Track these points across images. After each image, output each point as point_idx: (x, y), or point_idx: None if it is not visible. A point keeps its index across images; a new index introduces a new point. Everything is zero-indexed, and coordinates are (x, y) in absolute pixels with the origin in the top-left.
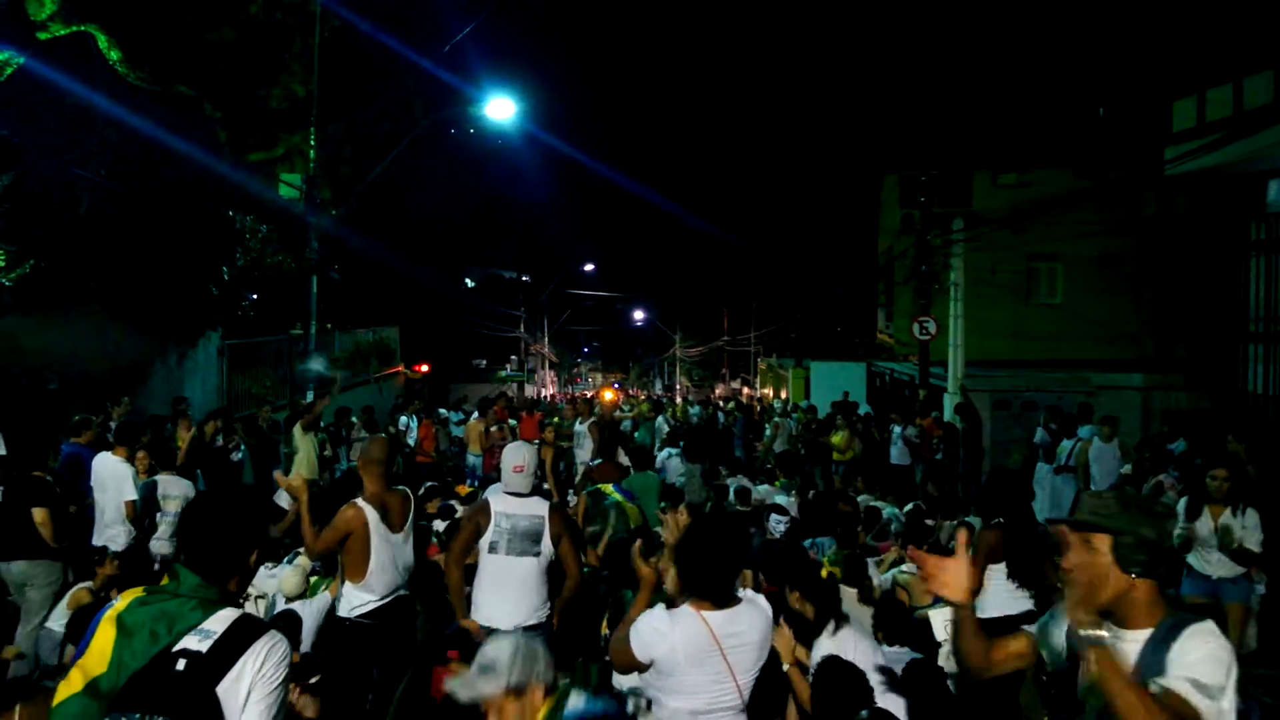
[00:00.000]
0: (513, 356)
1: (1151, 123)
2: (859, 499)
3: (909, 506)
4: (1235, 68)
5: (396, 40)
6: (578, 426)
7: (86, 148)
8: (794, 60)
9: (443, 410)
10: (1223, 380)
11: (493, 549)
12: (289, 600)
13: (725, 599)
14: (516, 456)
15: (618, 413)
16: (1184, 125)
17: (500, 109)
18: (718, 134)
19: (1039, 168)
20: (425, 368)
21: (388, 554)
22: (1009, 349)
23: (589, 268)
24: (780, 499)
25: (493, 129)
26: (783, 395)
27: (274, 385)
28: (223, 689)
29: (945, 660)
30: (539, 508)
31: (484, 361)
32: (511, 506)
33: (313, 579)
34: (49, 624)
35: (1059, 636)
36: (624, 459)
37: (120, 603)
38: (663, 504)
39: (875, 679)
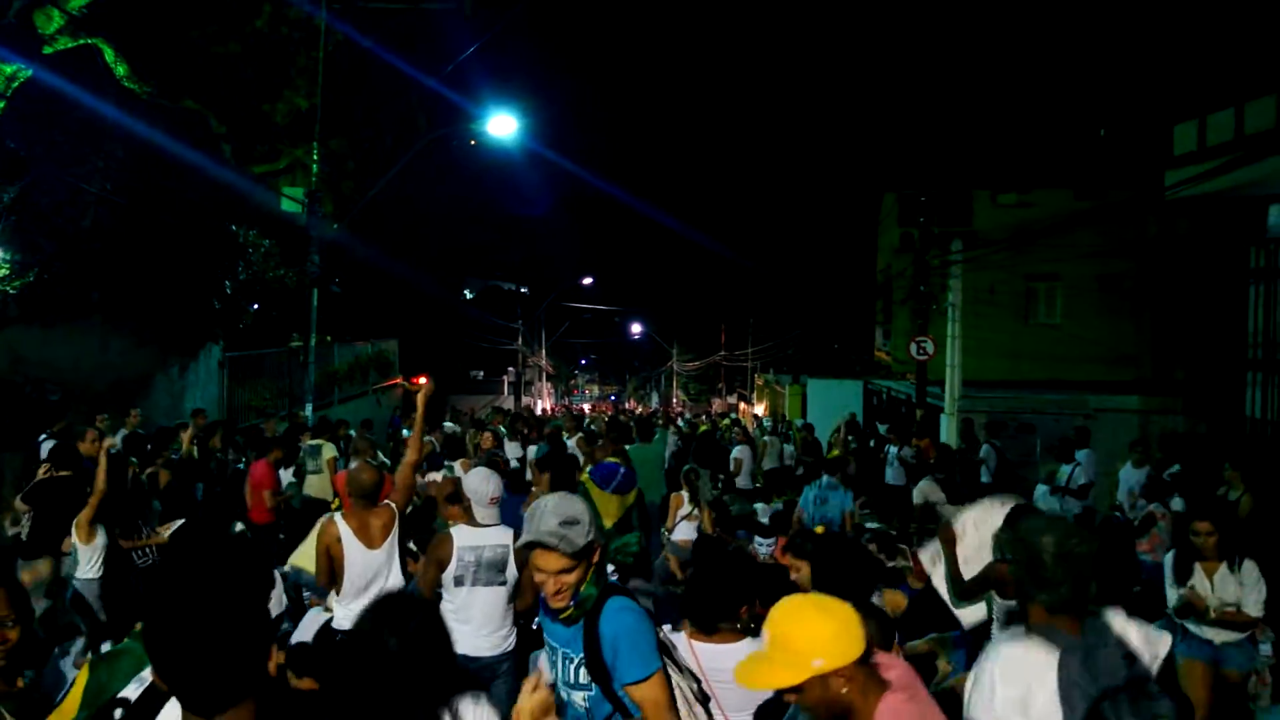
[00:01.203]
0: (510, 368)
1: (1152, 145)
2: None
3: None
4: (1237, 92)
5: (399, 57)
6: (568, 442)
7: (92, 161)
8: (795, 78)
9: (450, 424)
10: (1221, 406)
11: (458, 582)
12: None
13: (712, 629)
14: (490, 487)
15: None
16: (1185, 149)
17: (502, 125)
18: (718, 150)
19: (1039, 188)
20: (423, 379)
21: (362, 569)
22: (1007, 369)
23: (587, 281)
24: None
25: (494, 144)
26: (779, 412)
27: (273, 397)
28: None
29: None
30: (504, 536)
31: (481, 373)
32: (476, 538)
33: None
34: (88, 574)
35: None
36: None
37: (105, 651)
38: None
39: None
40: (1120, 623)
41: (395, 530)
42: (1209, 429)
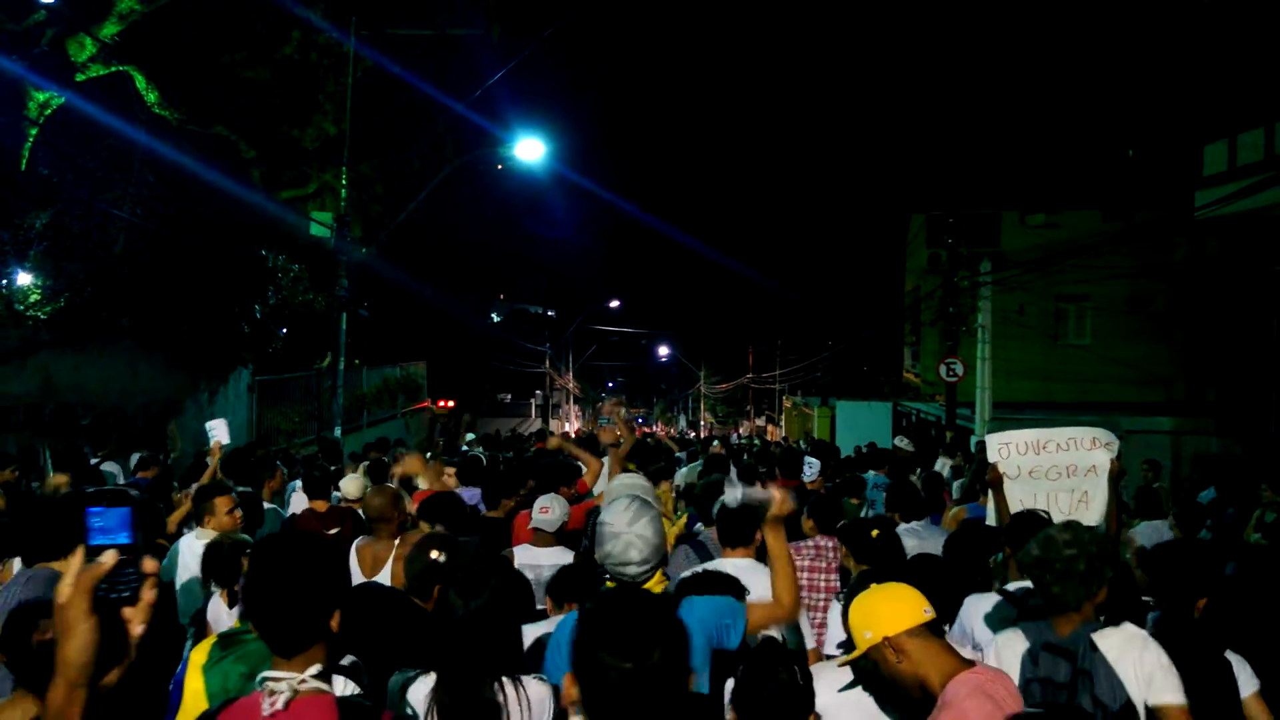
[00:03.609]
0: (537, 391)
1: (1182, 165)
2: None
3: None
4: (1267, 112)
5: (427, 82)
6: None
7: (123, 187)
8: (823, 101)
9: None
10: (1255, 427)
11: None
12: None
13: None
14: (545, 499)
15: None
16: (1215, 169)
17: (529, 150)
18: (745, 173)
19: (1068, 209)
20: (451, 403)
21: None
22: (1037, 390)
23: (615, 304)
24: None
25: (522, 168)
26: (807, 433)
27: (302, 421)
28: None
29: None
30: (563, 556)
31: (509, 396)
32: (536, 558)
33: None
34: None
35: None
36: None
37: (198, 654)
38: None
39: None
40: (1123, 639)
41: (390, 562)
42: (1244, 450)
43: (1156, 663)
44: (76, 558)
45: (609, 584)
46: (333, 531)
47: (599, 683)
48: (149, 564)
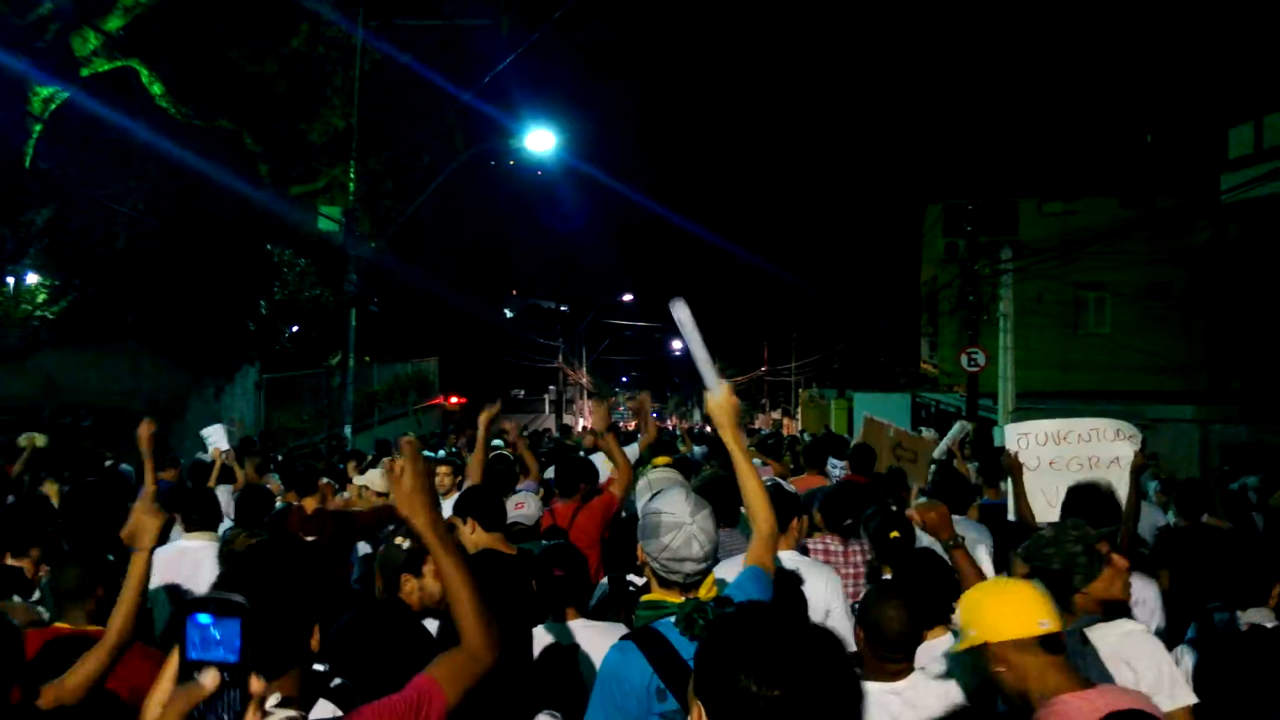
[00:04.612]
0: (550, 386)
1: (1204, 149)
2: None
3: None
4: None
5: (437, 74)
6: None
7: (125, 183)
8: (837, 90)
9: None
10: None
11: None
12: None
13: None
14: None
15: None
16: (1240, 152)
17: (540, 141)
18: (759, 164)
19: (1085, 196)
20: (463, 399)
21: None
22: (1057, 380)
23: (628, 298)
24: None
25: (532, 161)
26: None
27: (312, 419)
28: None
29: None
30: None
31: (522, 392)
32: None
33: None
34: None
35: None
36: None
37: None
38: None
39: None
40: (1120, 634)
41: None
42: (1277, 438)
43: (1166, 661)
44: (169, 672)
45: (663, 590)
46: (310, 539)
47: (739, 713)
48: (256, 684)
